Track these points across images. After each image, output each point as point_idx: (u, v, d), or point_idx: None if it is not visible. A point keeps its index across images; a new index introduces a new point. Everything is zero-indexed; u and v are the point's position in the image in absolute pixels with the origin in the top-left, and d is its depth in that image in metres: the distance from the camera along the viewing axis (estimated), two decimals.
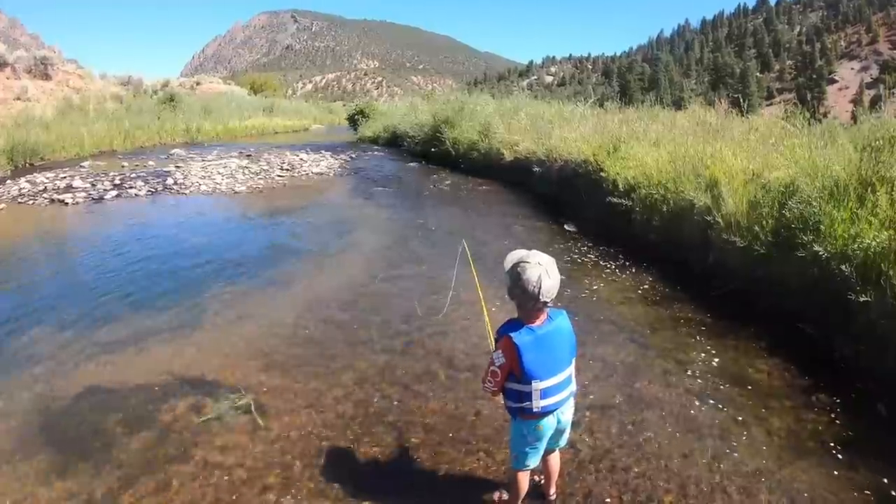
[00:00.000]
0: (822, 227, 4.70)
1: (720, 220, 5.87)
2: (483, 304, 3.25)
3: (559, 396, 2.51)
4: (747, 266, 5.44)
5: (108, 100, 27.34)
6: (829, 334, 4.51)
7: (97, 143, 20.55)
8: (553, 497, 2.94)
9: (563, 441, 2.79)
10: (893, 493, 2.96)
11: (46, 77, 25.77)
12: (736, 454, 3.27)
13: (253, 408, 3.77)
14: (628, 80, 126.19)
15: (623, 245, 7.48)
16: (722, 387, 4.02)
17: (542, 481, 2.97)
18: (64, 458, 3.29)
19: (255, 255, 7.53)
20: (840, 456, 3.25)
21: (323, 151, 20.48)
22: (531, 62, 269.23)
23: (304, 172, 15.45)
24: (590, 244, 7.78)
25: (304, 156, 18.78)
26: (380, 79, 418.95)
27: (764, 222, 5.35)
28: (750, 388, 4.01)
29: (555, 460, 2.87)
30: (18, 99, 22.45)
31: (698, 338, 4.81)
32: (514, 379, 2.47)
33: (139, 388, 4.06)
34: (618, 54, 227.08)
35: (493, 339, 2.67)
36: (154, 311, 5.50)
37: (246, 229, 9.10)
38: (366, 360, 4.48)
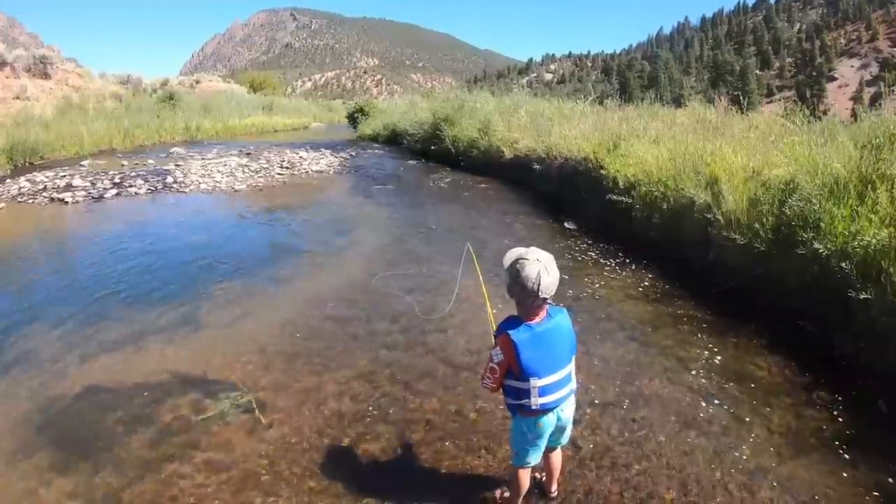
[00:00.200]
0: (822, 224, 4.70)
1: (720, 217, 5.87)
2: (487, 300, 3.26)
3: (558, 394, 2.52)
4: (747, 263, 5.44)
5: (108, 99, 27.31)
6: (829, 332, 4.52)
7: (97, 141, 20.51)
8: (554, 494, 2.94)
9: (565, 439, 2.79)
10: (894, 489, 2.96)
11: (46, 76, 25.75)
12: (737, 451, 3.28)
13: (254, 405, 3.78)
14: (628, 77, 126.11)
15: (623, 242, 7.48)
16: (722, 384, 4.02)
17: (544, 478, 2.98)
18: (64, 457, 3.29)
19: (255, 253, 7.53)
20: (840, 453, 3.26)
21: (322, 149, 20.46)
22: (531, 60, 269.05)
23: (303, 170, 15.44)
24: (590, 242, 7.78)
25: (303, 154, 18.76)
26: (379, 77, 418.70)
27: (764, 220, 5.35)
28: (750, 385, 4.01)
29: (557, 458, 2.88)
30: (18, 98, 22.43)
31: (699, 335, 4.81)
32: (512, 376, 2.48)
33: (139, 387, 4.07)
34: (617, 52, 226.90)
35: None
36: (154, 309, 5.50)
37: (246, 227, 9.10)
38: (366, 357, 4.48)
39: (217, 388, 4.03)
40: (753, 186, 5.87)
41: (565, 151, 10.45)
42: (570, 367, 2.57)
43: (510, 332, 2.41)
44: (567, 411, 2.66)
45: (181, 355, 4.55)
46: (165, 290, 6.02)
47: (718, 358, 4.40)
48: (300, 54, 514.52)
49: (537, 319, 2.44)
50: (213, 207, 10.81)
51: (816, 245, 4.57)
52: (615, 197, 7.76)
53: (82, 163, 16.22)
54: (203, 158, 17.56)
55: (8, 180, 13.16)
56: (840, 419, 3.59)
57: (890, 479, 3.03)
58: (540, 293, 2.32)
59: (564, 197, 9.95)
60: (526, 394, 2.47)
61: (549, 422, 2.58)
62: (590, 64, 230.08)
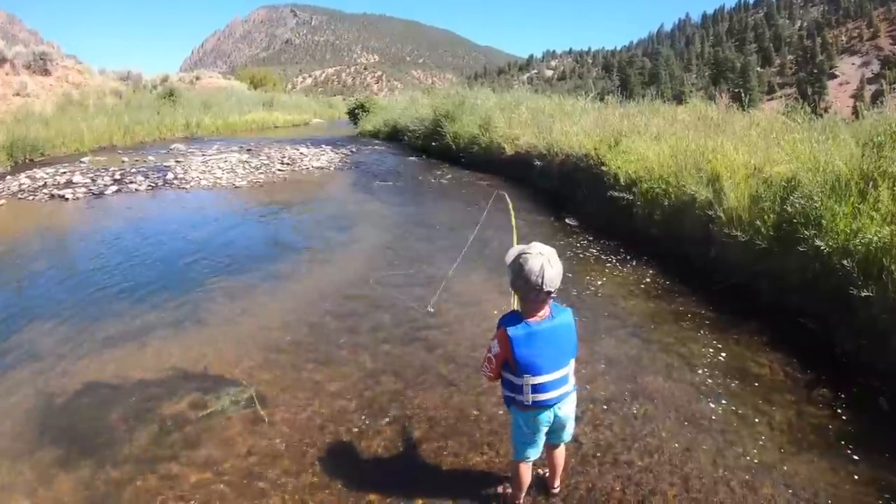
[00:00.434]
0: (823, 221, 4.70)
1: (721, 214, 5.87)
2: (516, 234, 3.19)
3: (553, 393, 2.52)
4: (749, 260, 5.44)
5: (108, 95, 27.25)
6: (830, 329, 4.52)
7: (97, 138, 20.48)
8: (557, 490, 2.95)
9: (567, 436, 2.79)
10: (894, 486, 2.97)
11: (46, 73, 25.71)
12: (738, 448, 3.28)
13: (255, 401, 3.78)
14: (629, 74, 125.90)
15: (624, 239, 7.48)
16: (724, 381, 4.02)
17: (547, 474, 2.98)
18: (66, 454, 3.30)
19: (256, 249, 7.53)
20: (842, 450, 3.27)
21: (323, 146, 20.45)
22: (531, 56, 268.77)
23: (304, 167, 15.43)
24: (591, 238, 7.78)
25: (304, 150, 18.75)
26: (380, 73, 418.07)
27: (765, 217, 5.35)
28: (752, 382, 4.02)
29: (559, 454, 2.88)
30: (18, 95, 22.40)
31: (700, 332, 4.81)
32: (508, 370, 2.51)
33: (141, 383, 4.07)
34: (618, 48, 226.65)
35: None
36: (155, 305, 5.50)
37: (247, 224, 9.10)
38: (368, 354, 4.48)
39: (218, 384, 4.03)
40: (755, 183, 5.86)
41: (566, 148, 10.43)
42: (568, 369, 2.57)
43: (508, 328, 2.42)
44: (565, 409, 2.64)
45: (182, 351, 4.55)
46: (166, 287, 6.03)
47: (720, 355, 4.40)
48: (300, 50, 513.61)
49: (538, 317, 2.43)
50: (214, 204, 10.80)
51: (818, 242, 4.57)
52: (616, 194, 7.75)
53: (82, 159, 16.20)
54: (203, 155, 17.55)
55: (8, 177, 13.15)
56: (841, 417, 3.59)
57: (891, 477, 3.03)
58: (544, 286, 2.32)
59: (565, 193, 9.94)
60: (519, 389, 2.49)
61: (544, 418, 2.59)
62: (590, 60, 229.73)
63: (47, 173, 13.38)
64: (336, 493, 2.95)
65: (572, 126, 11.32)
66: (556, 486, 2.95)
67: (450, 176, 13.85)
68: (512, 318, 2.47)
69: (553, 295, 2.40)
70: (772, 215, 5.32)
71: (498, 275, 6.17)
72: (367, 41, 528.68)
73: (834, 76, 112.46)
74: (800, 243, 4.77)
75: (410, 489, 2.98)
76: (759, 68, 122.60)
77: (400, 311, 5.32)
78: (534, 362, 2.45)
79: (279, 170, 14.71)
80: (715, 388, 3.93)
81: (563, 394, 2.56)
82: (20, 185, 12.08)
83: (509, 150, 13.41)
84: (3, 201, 10.57)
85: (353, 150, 19.92)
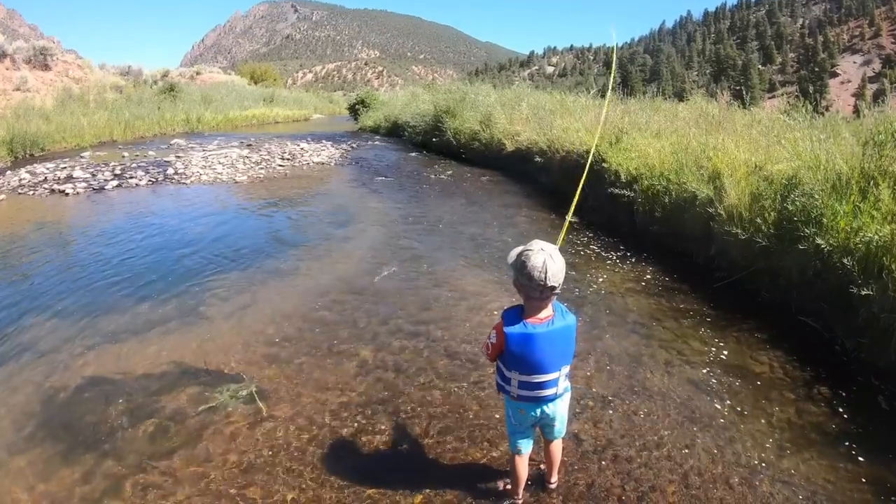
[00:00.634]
0: (824, 220, 4.71)
1: (722, 212, 5.87)
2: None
3: (539, 393, 2.53)
4: (749, 258, 5.45)
5: (108, 90, 27.21)
6: (830, 327, 4.54)
7: (97, 133, 20.49)
8: (554, 485, 2.96)
9: (558, 433, 2.78)
10: (893, 484, 2.98)
11: (46, 68, 25.65)
12: (737, 445, 3.29)
13: (256, 396, 3.79)
14: (630, 71, 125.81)
15: (625, 236, 7.49)
16: (724, 378, 4.03)
17: (544, 468, 3.00)
18: (66, 448, 3.30)
19: (256, 244, 7.53)
20: (841, 448, 3.27)
21: (324, 141, 20.45)
22: (532, 52, 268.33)
23: (305, 162, 15.43)
24: (591, 235, 7.79)
25: (304, 145, 18.75)
26: (380, 69, 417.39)
27: (766, 214, 5.35)
28: (751, 379, 4.02)
29: (555, 449, 2.89)
30: (18, 90, 22.35)
31: (700, 329, 4.82)
32: (502, 360, 2.54)
33: (141, 378, 4.07)
34: (619, 45, 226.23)
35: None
36: (156, 300, 5.51)
37: (247, 219, 9.10)
38: (368, 350, 4.49)
39: (218, 379, 4.03)
40: (755, 181, 5.86)
41: (567, 144, 10.42)
42: (560, 373, 2.53)
43: (505, 326, 2.42)
44: (553, 408, 2.63)
45: (182, 346, 4.56)
46: (167, 282, 6.03)
47: (720, 352, 4.41)
48: (301, 46, 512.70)
49: (538, 319, 2.41)
50: (215, 199, 10.80)
51: (818, 241, 4.57)
52: (617, 190, 7.75)
53: (83, 154, 16.22)
54: (204, 150, 17.56)
55: (8, 172, 13.15)
56: (840, 415, 3.60)
57: (890, 475, 3.04)
58: (547, 281, 2.31)
59: (566, 190, 9.93)
60: (508, 381, 2.54)
61: (531, 414, 2.61)
62: (591, 57, 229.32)
63: (47, 168, 13.38)
64: (336, 489, 2.96)
65: (573, 122, 11.31)
66: (552, 480, 2.96)
67: (450, 172, 13.85)
68: (513, 315, 2.46)
69: (556, 292, 2.39)
70: (772, 213, 5.32)
71: (498, 271, 6.19)
72: (368, 37, 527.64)
73: (835, 74, 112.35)
74: (800, 241, 4.78)
75: (410, 485, 2.98)
76: (760, 66, 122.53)
77: (401, 307, 5.33)
78: (525, 362, 2.46)
79: (280, 165, 14.71)
80: (714, 386, 3.94)
81: (551, 395, 2.56)
82: (20, 180, 12.08)
83: (510, 147, 13.41)
84: (3, 196, 10.57)
85: (354, 145, 19.92)
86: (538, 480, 2.98)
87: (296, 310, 5.27)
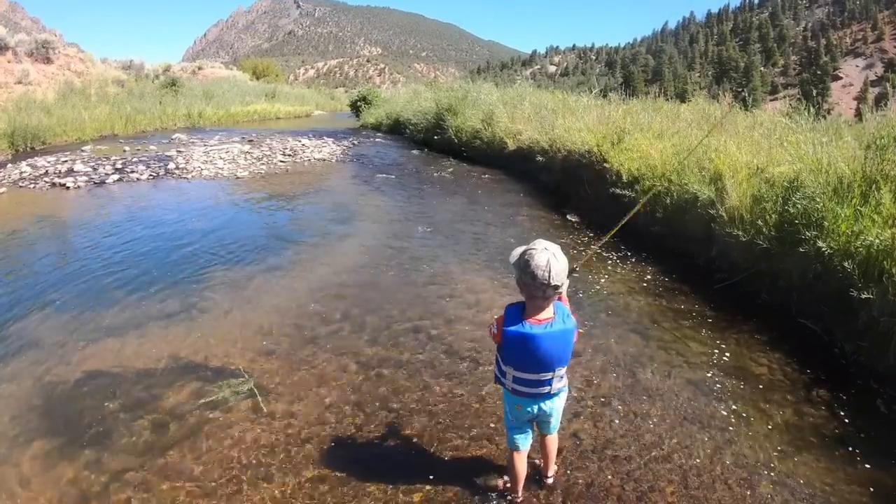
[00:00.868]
0: (825, 223, 4.72)
1: (723, 213, 5.88)
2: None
3: (532, 390, 2.54)
4: (750, 260, 5.45)
5: (110, 84, 27.14)
6: (830, 330, 4.55)
7: (98, 127, 20.47)
8: (550, 479, 2.98)
9: (553, 428, 2.81)
10: (891, 488, 2.99)
11: (48, 61, 25.60)
12: (736, 446, 3.30)
13: (256, 392, 3.79)
14: (632, 71, 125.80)
15: (626, 236, 7.47)
16: (723, 379, 4.04)
17: (540, 463, 3.01)
18: (66, 442, 3.31)
19: (257, 240, 7.52)
20: (840, 451, 3.28)
21: (325, 137, 20.43)
22: (534, 51, 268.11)
23: (306, 158, 15.42)
24: (592, 235, 7.79)
25: (306, 141, 18.73)
26: (382, 66, 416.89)
27: (767, 217, 5.36)
28: (751, 381, 4.03)
29: (550, 444, 2.91)
30: (20, 83, 22.31)
31: (700, 330, 4.83)
32: (499, 353, 2.57)
33: (141, 372, 4.08)
34: (622, 45, 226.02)
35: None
36: (156, 295, 5.51)
37: (248, 214, 9.09)
38: (369, 346, 4.49)
39: (218, 375, 4.04)
40: (757, 183, 5.87)
41: (569, 144, 10.42)
42: (553, 375, 2.51)
43: (505, 325, 2.43)
44: (549, 405, 2.65)
45: (182, 341, 4.57)
46: (167, 276, 6.03)
47: (720, 354, 4.41)
48: (303, 42, 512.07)
49: (538, 320, 2.41)
50: (216, 194, 10.79)
51: (819, 243, 4.58)
52: (618, 191, 7.75)
53: (84, 148, 16.19)
54: (205, 145, 17.54)
55: (9, 165, 13.15)
56: (839, 418, 3.61)
57: (888, 478, 3.05)
58: (551, 280, 2.31)
59: (567, 189, 9.94)
60: (504, 374, 2.57)
61: (527, 410, 2.62)
62: (594, 57, 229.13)
63: (48, 161, 13.37)
64: (336, 484, 2.97)
65: (575, 122, 11.31)
66: (549, 474, 2.99)
67: (451, 170, 13.84)
68: (514, 313, 2.46)
69: (559, 291, 2.39)
70: (773, 215, 5.33)
71: (499, 270, 6.19)
72: (370, 33, 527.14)
73: (837, 78, 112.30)
74: (801, 244, 4.79)
75: (410, 481, 2.99)
76: (762, 68, 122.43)
77: (401, 305, 5.33)
78: (520, 360, 2.48)
79: (281, 161, 14.70)
80: (714, 387, 3.95)
81: (545, 393, 2.56)
82: (21, 173, 12.08)
83: (511, 145, 13.40)
84: (3, 189, 10.57)
85: (355, 142, 19.90)
86: (537, 478, 2.99)
87: (296, 305, 5.27)
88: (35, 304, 5.31)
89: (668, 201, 6.91)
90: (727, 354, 4.40)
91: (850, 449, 3.29)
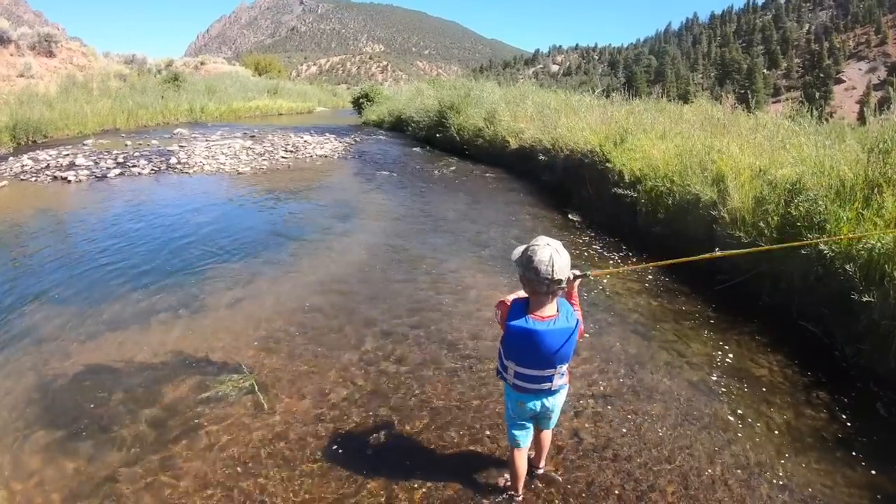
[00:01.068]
0: (827, 226, 4.72)
1: (725, 214, 5.88)
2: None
3: (534, 386, 2.55)
4: (751, 262, 5.45)
5: (112, 78, 27.12)
6: (830, 332, 4.55)
7: (100, 121, 20.47)
8: (542, 470, 3.03)
9: (551, 424, 2.84)
10: (889, 490, 2.99)
11: (50, 54, 25.59)
12: (736, 447, 3.31)
13: (256, 388, 3.80)
14: (634, 71, 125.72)
15: (627, 236, 7.48)
16: (723, 380, 4.05)
17: (533, 455, 3.03)
18: (67, 436, 3.31)
19: (258, 236, 7.53)
20: (839, 454, 3.29)
21: (327, 134, 20.42)
22: (537, 51, 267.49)
23: (308, 154, 15.41)
24: (593, 234, 7.79)
25: (308, 138, 18.73)
26: (385, 63, 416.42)
27: (769, 219, 5.36)
28: (751, 383, 4.04)
29: (546, 438, 2.96)
30: (22, 76, 22.29)
31: (701, 331, 4.83)
32: (502, 345, 2.58)
33: (143, 367, 4.09)
34: (624, 45, 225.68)
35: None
36: (157, 290, 5.51)
37: (250, 210, 9.10)
38: (370, 344, 4.50)
39: (219, 370, 4.05)
40: (759, 185, 5.87)
41: (571, 143, 10.41)
42: (555, 371, 2.52)
43: (509, 319, 2.44)
44: (551, 402, 2.66)
45: (183, 336, 4.57)
46: (168, 271, 6.03)
47: (720, 355, 4.42)
48: (306, 38, 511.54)
49: (542, 316, 2.41)
50: (217, 189, 10.80)
51: (821, 246, 4.58)
52: (621, 191, 7.75)
53: (85, 142, 16.20)
54: (207, 140, 17.54)
55: (11, 158, 13.14)
56: (839, 420, 3.62)
57: (887, 481, 3.06)
58: (554, 275, 2.32)
59: (569, 189, 9.94)
60: (506, 369, 2.59)
61: (529, 406, 2.63)
62: (597, 57, 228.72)
63: (50, 155, 13.37)
64: (335, 481, 2.97)
65: (578, 122, 11.30)
66: (540, 465, 3.03)
67: (454, 168, 13.83)
68: (519, 307, 2.46)
69: (562, 286, 2.40)
70: (775, 217, 5.33)
71: (501, 268, 6.19)
72: (373, 31, 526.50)
73: (840, 81, 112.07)
74: (803, 246, 4.78)
75: (411, 478, 3.00)
76: (765, 70, 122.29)
77: (402, 302, 5.33)
78: (522, 355, 2.49)
79: (283, 157, 14.70)
80: (715, 388, 3.95)
81: (546, 389, 2.57)
82: (23, 166, 12.07)
83: (514, 144, 13.39)
84: (5, 182, 10.57)
85: (357, 139, 19.89)
86: (537, 476, 3.00)
87: (297, 302, 5.27)
88: (36, 296, 5.31)
89: (669, 202, 6.91)
90: (728, 356, 4.41)
91: (850, 452, 3.30)
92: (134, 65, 32.75)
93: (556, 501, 2.88)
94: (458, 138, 16.38)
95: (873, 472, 3.13)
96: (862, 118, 7.14)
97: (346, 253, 6.81)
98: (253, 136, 18.65)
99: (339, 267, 6.30)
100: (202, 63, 45.02)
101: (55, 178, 11.08)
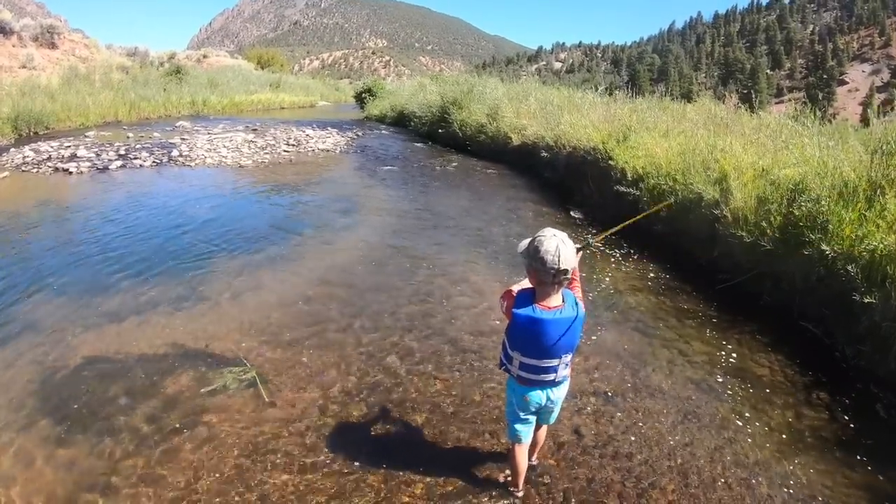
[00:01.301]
0: (829, 226, 4.72)
1: (728, 214, 5.87)
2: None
3: (538, 377, 2.56)
4: (753, 261, 5.45)
5: (114, 70, 27.09)
6: (831, 333, 4.55)
7: (102, 113, 20.46)
8: (535, 462, 3.06)
9: (553, 419, 2.85)
10: (889, 491, 3.00)
11: (52, 46, 25.56)
12: (736, 446, 3.31)
13: (258, 381, 3.80)
14: (638, 69, 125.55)
15: (628, 234, 7.47)
16: (724, 379, 4.05)
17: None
18: (66, 428, 3.31)
19: (260, 229, 7.52)
20: (838, 454, 3.29)
21: (329, 128, 20.40)
22: (540, 48, 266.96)
23: (309, 148, 15.41)
24: (595, 232, 7.78)
25: (310, 132, 18.71)
26: (388, 58, 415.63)
27: (772, 218, 5.35)
28: (752, 382, 4.04)
29: (542, 432, 2.98)
30: (24, 67, 22.26)
31: (702, 330, 4.83)
32: (507, 336, 2.59)
33: (143, 359, 4.09)
34: (628, 44, 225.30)
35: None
36: (158, 282, 5.51)
37: (251, 203, 9.09)
38: (371, 337, 4.50)
39: (220, 363, 4.05)
40: (762, 185, 5.86)
41: (574, 140, 10.40)
42: (561, 361, 2.53)
43: (515, 308, 2.44)
44: (556, 394, 2.68)
45: (184, 328, 4.57)
46: (169, 263, 6.03)
47: (721, 353, 4.42)
48: (309, 32, 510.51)
49: (548, 306, 2.42)
50: (219, 182, 10.79)
51: (823, 247, 4.58)
52: (623, 188, 7.74)
53: (87, 134, 16.18)
54: (209, 133, 17.52)
55: (12, 149, 13.12)
56: (839, 421, 3.62)
57: (886, 482, 3.07)
58: (560, 264, 2.32)
59: (571, 186, 9.93)
60: (510, 360, 2.58)
61: (534, 399, 2.63)
62: (600, 54, 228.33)
63: (52, 147, 13.36)
64: (336, 475, 2.98)
65: (581, 119, 11.28)
66: (533, 458, 3.05)
67: (456, 164, 13.82)
68: (525, 297, 2.46)
69: (568, 276, 2.39)
70: (778, 217, 5.32)
71: (503, 264, 6.19)
72: (376, 25, 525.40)
73: (843, 82, 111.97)
74: (805, 246, 4.79)
75: (411, 474, 3.00)
76: (768, 70, 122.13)
77: (404, 297, 5.33)
78: (528, 345, 2.49)
79: (284, 151, 14.69)
80: (715, 386, 3.96)
81: (551, 381, 2.58)
82: (24, 157, 12.06)
83: (516, 140, 13.37)
84: (7, 173, 10.57)
85: (359, 133, 19.87)
86: (539, 472, 3.00)
87: (298, 295, 5.27)
88: (36, 288, 5.31)
89: (672, 200, 6.91)
90: (729, 355, 4.41)
91: (850, 452, 3.30)
92: (136, 57, 32.75)
93: (557, 498, 2.89)
94: (460, 134, 16.37)
95: (873, 472, 3.14)
96: (865, 120, 7.12)
97: (348, 247, 6.81)
98: (255, 130, 18.63)
99: (341, 260, 6.30)
100: (205, 56, 44.97)
101: (56, 169, 11.07)
